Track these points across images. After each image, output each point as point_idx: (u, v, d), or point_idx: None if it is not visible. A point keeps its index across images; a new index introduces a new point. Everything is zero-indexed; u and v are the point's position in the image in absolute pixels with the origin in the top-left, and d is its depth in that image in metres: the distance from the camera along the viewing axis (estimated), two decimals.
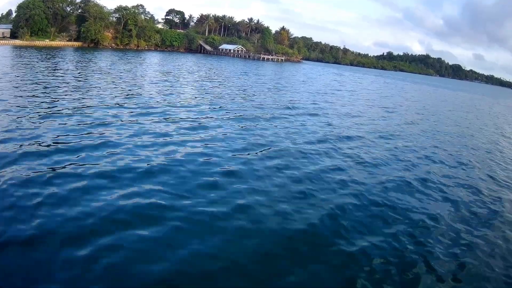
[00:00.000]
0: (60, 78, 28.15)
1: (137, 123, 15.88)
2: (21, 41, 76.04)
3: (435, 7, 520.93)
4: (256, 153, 13.02)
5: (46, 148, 11.28)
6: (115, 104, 19.58)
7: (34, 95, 19.86)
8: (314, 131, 17.85)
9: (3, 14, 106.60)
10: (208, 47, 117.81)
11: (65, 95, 20.87)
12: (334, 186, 10.65)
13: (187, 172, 10.44)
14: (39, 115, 15.29)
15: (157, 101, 21.81)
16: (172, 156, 11.67)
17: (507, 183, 13.51)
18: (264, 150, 13.55)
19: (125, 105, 19.62)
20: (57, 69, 33.77)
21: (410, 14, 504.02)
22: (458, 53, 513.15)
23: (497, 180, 13.72)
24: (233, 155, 12.53)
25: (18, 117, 14.58)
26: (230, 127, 16.89)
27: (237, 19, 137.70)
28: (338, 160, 13.24)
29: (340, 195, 10.02)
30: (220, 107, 21.85)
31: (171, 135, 14.31)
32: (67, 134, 13.03)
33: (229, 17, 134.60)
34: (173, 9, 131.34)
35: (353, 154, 14.16)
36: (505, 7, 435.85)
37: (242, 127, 17.17)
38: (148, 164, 10.72)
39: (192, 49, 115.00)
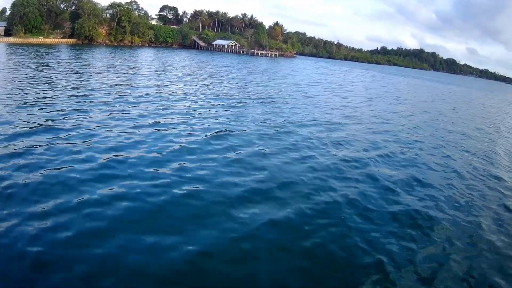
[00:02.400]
0: (52, 73, 29.20)
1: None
2: (15, 39, 75.82)
3: (427, 1, 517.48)
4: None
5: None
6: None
7: (25, 89, 21.00)
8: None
9: None
10: (202, 43, 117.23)
11: (57, 89, 22.05)
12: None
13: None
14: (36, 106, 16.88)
15: (147, 94, 23.36)
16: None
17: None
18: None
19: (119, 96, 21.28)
20: (49, 65, 34.62)
21: (402, 8, 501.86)
22: (452, 47, 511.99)
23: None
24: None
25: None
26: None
27: (231, 14, 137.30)
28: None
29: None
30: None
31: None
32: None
33: (222, 12, 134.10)
34: (167, 5, 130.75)
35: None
36: (497, 0, 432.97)
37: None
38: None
39: (186, 45, 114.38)
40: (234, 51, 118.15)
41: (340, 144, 15.84)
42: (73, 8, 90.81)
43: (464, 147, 18.99)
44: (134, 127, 14.89)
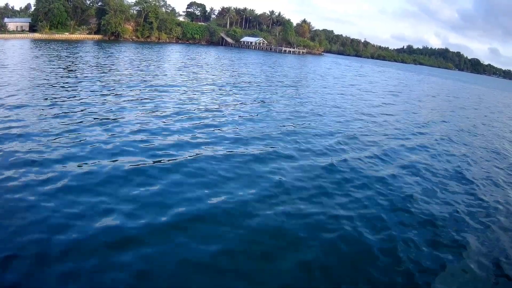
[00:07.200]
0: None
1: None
2: (40, 35, 70.00)
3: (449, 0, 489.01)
4: None
5: None
6: None
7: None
8: None
9: (22, 8, 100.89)
10: (229, 40, 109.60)
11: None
12: None
13: None
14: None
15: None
16: None
17: None
18: None
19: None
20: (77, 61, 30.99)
21: (425, 7, 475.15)
22: (474, 47, 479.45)
23: None
24: None
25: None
26: None
27: (258, 11, 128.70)
28: None
29: None
30: None
31: None
32: None
33: (250, 9, 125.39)
34: (194, 1, 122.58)
35: None
36: None
37: None
38: None
39: (214, 41, 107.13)
40: (262, 48, 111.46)
41: None
42: (99, 4, 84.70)
43: None
44: None
